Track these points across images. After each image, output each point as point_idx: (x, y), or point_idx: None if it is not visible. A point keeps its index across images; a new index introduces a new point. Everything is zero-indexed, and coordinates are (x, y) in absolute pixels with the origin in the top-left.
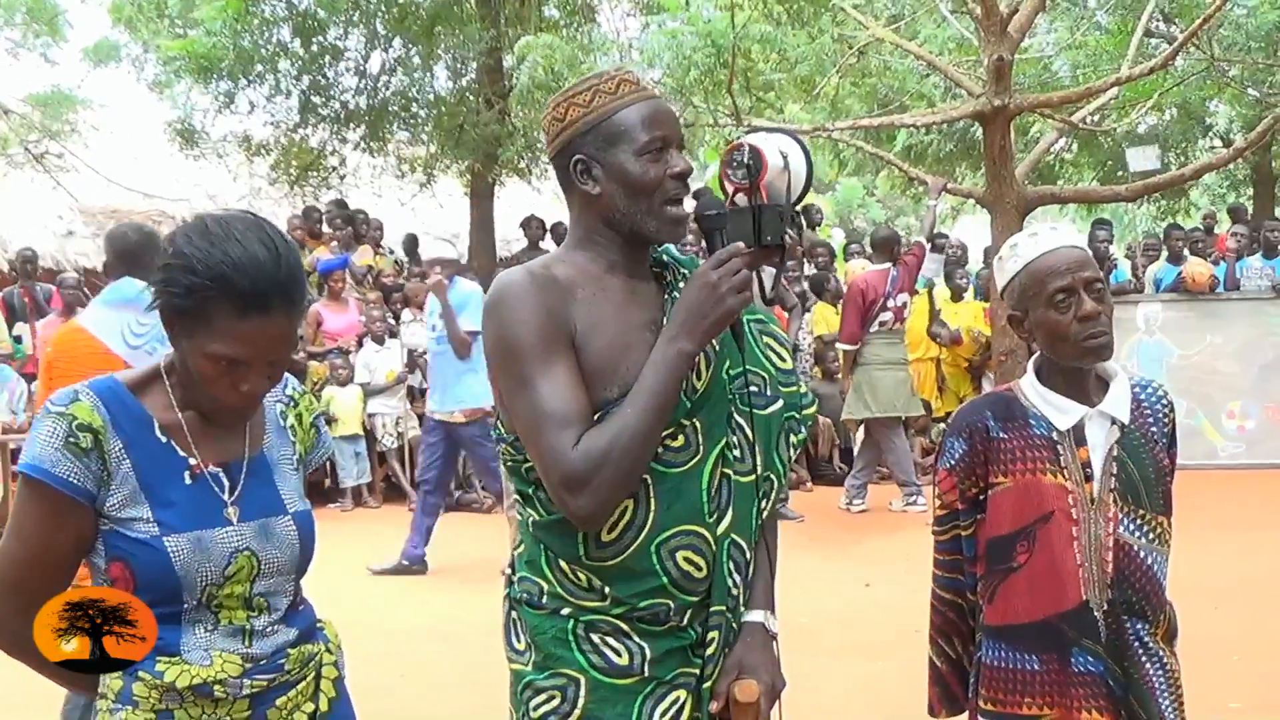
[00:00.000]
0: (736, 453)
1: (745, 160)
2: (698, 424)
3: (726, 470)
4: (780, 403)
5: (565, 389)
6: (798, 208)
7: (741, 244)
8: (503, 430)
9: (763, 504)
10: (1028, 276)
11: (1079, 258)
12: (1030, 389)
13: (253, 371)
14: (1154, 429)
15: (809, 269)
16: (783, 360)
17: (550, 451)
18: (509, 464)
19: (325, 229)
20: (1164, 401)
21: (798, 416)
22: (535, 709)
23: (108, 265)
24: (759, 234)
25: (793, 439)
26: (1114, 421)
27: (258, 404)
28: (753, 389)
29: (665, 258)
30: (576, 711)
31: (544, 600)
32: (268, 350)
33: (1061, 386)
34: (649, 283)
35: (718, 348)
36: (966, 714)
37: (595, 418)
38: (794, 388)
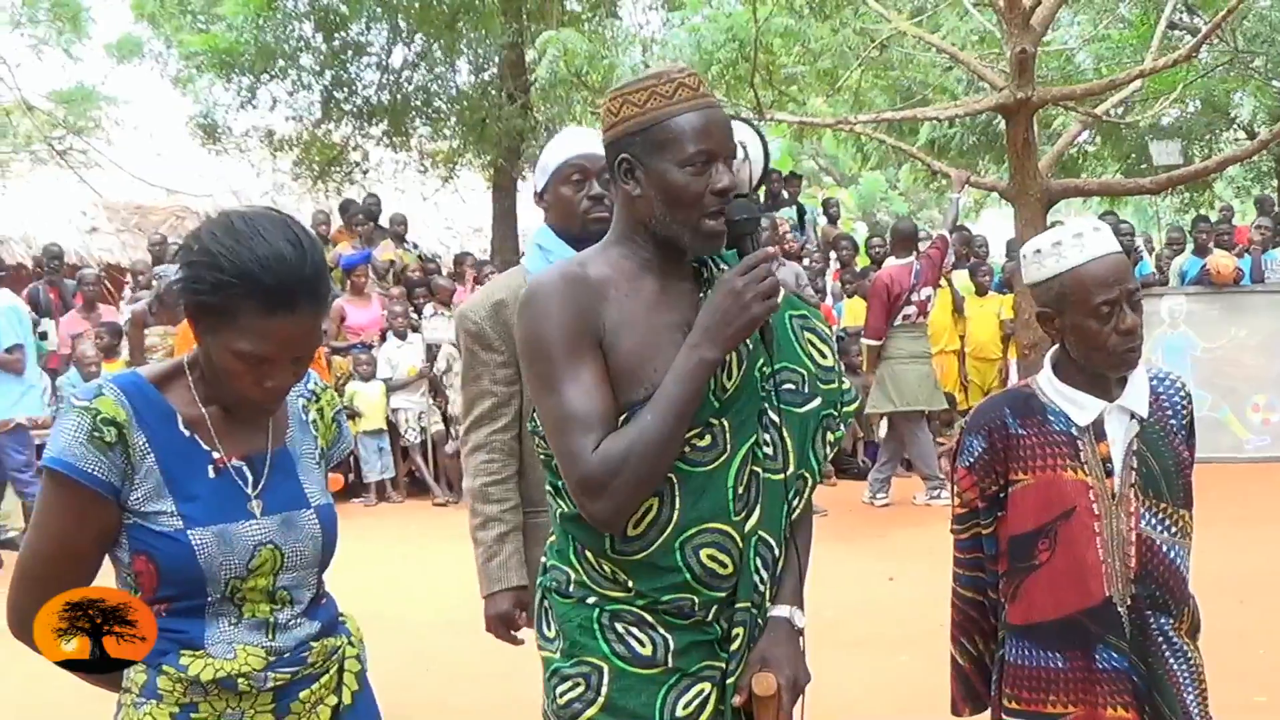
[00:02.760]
0: (768, 450)
1: None
2: (726, 423)
3: (756, 468)
4: (818, 400)
5: (589, 392)
6: (758, 192)
7: (770, 249)
8: (537, 423)
9: (794, 502)
10: (1072, 281)
11: (1124, 268)
12: (1048, 385)
13: (278, 368)
14: (1173, 421)
15: (834, 262)
16: (824, 356)
17: (570, 454)
18: (542, 457)
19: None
20: (1182, 393)
21: (836, 414)
22: (561, 696)
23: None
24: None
25: (830, 436)
26: (1133, 415)
27: (282, 400)
28: (788, 387)
29: None
30: (600, 700)
31: (571, 589)
32: (293, 347)
33: (1080, 382)
34: (684, 282)
35: (750, 346)
36: (989, 712)
37: (622, 418)
38: (834, 384)
